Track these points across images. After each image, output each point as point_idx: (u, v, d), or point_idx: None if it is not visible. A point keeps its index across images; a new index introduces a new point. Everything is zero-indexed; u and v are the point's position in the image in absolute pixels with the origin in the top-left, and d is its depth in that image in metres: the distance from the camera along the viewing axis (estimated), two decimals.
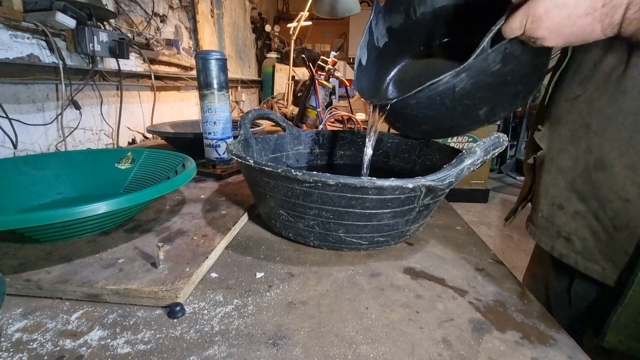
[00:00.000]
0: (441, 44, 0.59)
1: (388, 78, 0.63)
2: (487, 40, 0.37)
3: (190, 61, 1.54)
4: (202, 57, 0.65)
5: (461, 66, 0.38)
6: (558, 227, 0.45)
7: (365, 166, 0.54)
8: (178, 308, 0.32)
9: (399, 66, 0.63)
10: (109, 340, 0.29)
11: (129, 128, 1.16)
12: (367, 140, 0.52)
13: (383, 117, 0.48)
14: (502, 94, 0.43)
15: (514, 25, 0.35)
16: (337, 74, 1.23)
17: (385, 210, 0.38)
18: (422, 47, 0.61)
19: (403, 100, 0.44)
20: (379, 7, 0.57)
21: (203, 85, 0.67)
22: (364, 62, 0.57)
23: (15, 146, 0.73)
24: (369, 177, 0.34)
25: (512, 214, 0.57)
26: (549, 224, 0.47)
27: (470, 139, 2.69)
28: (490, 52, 0.38)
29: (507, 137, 0.41)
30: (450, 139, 2.67)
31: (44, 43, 0.80)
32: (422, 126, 0.49)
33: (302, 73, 2.15)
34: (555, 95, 0.47)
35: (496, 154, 0.38)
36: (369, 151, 0.52)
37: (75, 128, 0.91)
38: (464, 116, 0.45)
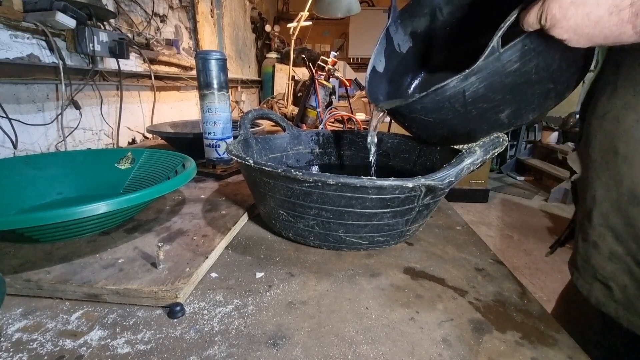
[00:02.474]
0: (476, 42, 0.54)
1: (417, 81, 0.61)
2: (496, 38, 0.33)
3: (190, 61, 1.54)
4: (202, 57, 0.65)
5: (469, 69, 0.35)
6: (594, 268, 0.39)
7: (372, 162, 0.55)
8: (178, 308, 0.32)
9: (427, 69, 0.60)
10: (109, 340, 0.29)
11: (129, 128, 1.16)
12: (368, 138, 0.53)
13: (383, 118, 0.48)
14: (526, 94, 0.38)
15: (530, 20, 0.30)
16: (337, 74, 1.23)
17: (385, 210, 0.38)
18: (453, 47, 0.57)
19: (408, 105, 0.41)
20: (397, 14, 0.54)
21: (203, 85, 0.67)
22: (380, 69, 0.55)
23: (15, 146, 0.73)
24: (369, 177, 0.34)
25: (556, 243, 0.50)
26: (585, 263, 0.40)
27: None
28: (504, 51, 0.34)
29: (507, 137, 0.40)
30: None
31: (44, 43, 0.80)
32: (437, 131, 0.45)
33: (302, 73, 2.15)
34: (586, 110, 0.41)
35: (496, 154, 0.38)
36: (372, 149, 0.54)
37: (75, 128, 0.91)
38: (482, 120, 0.41)
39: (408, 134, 0.54)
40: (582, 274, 0.41)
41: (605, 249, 0.37)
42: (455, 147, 0.52)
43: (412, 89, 0.61)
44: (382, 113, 0.48)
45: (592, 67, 0.41)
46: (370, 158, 0.55)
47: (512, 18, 0.33)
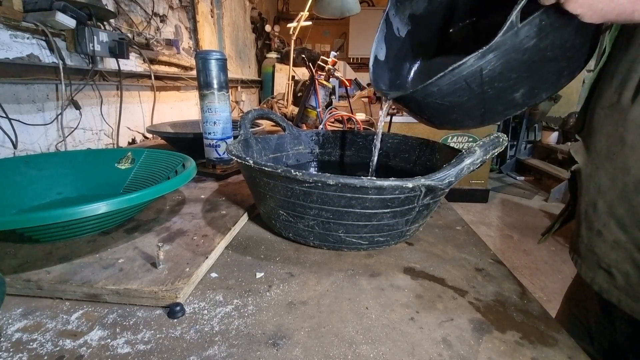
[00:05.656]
0: (476, 21, 0.54)
1: (416, 67, 0.59)
2: (515, 12, 0.33)
3: (190, 61, 1.54)
4: (202, 57, 0.65)
5: (487, 45, 0.34)
6: (597, 256, 0.39)
7: (374, 161, 0.55)
8: (178, 308, 0.32)
9: (427, 53, 0.59)
10: (109, 340, 0.29)
11: (129, 128, 1.16)
12: (375, 137, 0.53)
13: (389, 106, 0.47)
14: (541, 72, 0.38)
15: None
16: (337, 74, 1.23)
17: (385, 210, 0.38)
18: (453, 29, 0.56)
19: (424, 88, 0.40)
20: None
21: (203, 85, 0.67)
22: (381, 57, 0.53)
23: (15, 146, 0.73)
24: (369, 177, 0.34)
25: (548, 231, 0.52)
26: (589, 252, 0.41)
27: (470, 139, 2.69)
28: (522, 26, 0.33)
29: (507, 137, 0.40)
30: (450, 138, 2.67)
31: (44, 43, 0.80)
32: (450, 115, 0.44)
33: (302, 73, 2.15)
34: (591, 100, 0.41)
35: (496, 154, 0.38)
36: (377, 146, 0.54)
37: (75, 128, 0.91)
38: (498, 100, 0.40)
39: (407, 133, 0.54)
40: (586, 261, 0.41)
41: (609, 237, 0.37)
42: (455, 147, 0.52)
43: (412, 75, 0.60)
44: (389, 102, 0.47)
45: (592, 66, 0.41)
46: (374, 159, 0.55)
47: None
